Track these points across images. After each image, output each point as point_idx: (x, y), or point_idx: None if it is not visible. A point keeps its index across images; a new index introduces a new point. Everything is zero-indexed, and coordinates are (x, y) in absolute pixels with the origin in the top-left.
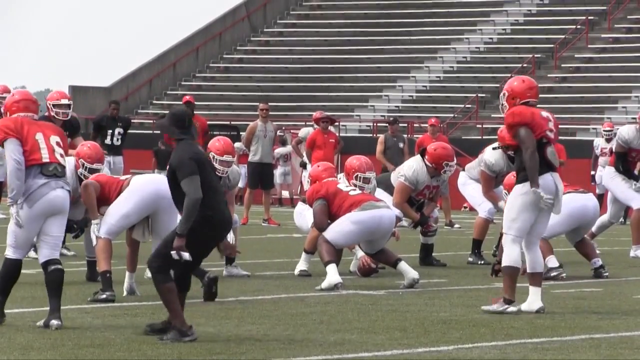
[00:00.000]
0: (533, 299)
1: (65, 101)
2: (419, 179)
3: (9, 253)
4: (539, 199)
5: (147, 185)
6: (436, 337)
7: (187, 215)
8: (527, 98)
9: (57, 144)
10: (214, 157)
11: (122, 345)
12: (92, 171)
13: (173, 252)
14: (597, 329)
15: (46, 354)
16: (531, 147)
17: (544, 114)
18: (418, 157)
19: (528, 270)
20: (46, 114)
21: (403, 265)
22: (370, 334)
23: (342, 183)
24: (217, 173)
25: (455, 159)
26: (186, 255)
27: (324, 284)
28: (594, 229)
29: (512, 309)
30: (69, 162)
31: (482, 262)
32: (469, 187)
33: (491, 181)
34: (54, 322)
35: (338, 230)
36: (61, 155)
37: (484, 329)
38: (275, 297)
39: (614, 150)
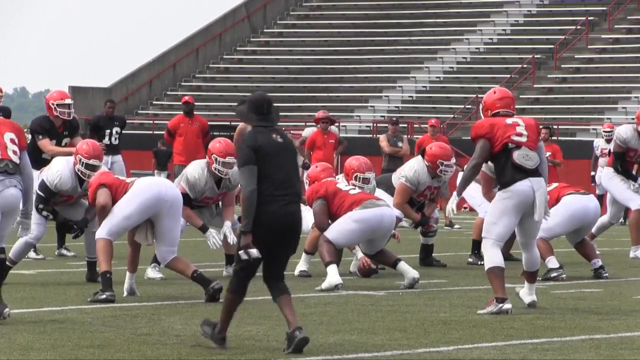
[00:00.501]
0: (529, 293)
1: (68, 101)
2: (420, 179)
3: None
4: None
5: (149, 188)
6: (436, 337)
7: (243, 208)
8: (496, 109)
9: (12, 140)
10: (215, 159)
11: (122, 346)
12: (88, 167)
13: (241, 252)
14: (597, 329)
15: (46, 354)
16: (475, 160)
17: (510, 120)
18: (419, 157)
19: (525, 269)
20: (47, 113)
21: (403, 265)
22: (370, 334)
23: (342, 183)
24: (218, 175)
25: (453, 158)
26: (254, 253)
27: (324, 285)
28: (593, 229)
29: (506, 306)
30: (68, 162)
31: (482, 262)
32: (469, 187)
33: (492, 182)
34: None
35: (339, 229)
36: (14, 152)
37: (484, 329)
38: None
39: (612, 150)
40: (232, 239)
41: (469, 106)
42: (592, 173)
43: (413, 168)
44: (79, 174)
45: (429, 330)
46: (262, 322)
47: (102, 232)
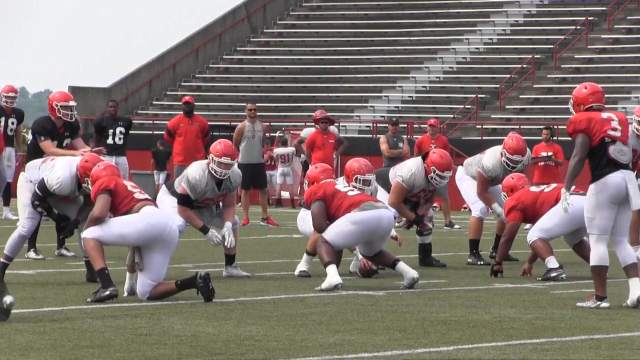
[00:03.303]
0: (633, 289)
1: (72, 102)
2: (416, 183)
3: None
4: (565, 200)
5: (155, 221)
6: (436, 337)
7: None
8: (590, 103)
9: None
10: (212, 159)
11: (122, 346)
12: None
13: None
14: (596, 329)
15: (46, 354)
16: (579, 156)
17: (605, 115)
18: (419, 160)
19: (622, 266)
20: (48, 113)
21: (402, 266)
22: (370, 334)
23: (340, 184)
24: (214, 175)
25: (449, 172)
26: None
27: (324, 285)
28: None
29: (604, 304)
30: (71, 167)
31: (482, 262)
32: (465, 183)
33: (487, 183)
34: None
35: (337, 231)
36: None
37: (484, 329)
38: (275, 297)
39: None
40: (230, 241)
41: (469, 106)
42: None
43: (410, 170)
44: (87, 190)
45: (428, 330)
46: (262, 322)
47: (92, 233)
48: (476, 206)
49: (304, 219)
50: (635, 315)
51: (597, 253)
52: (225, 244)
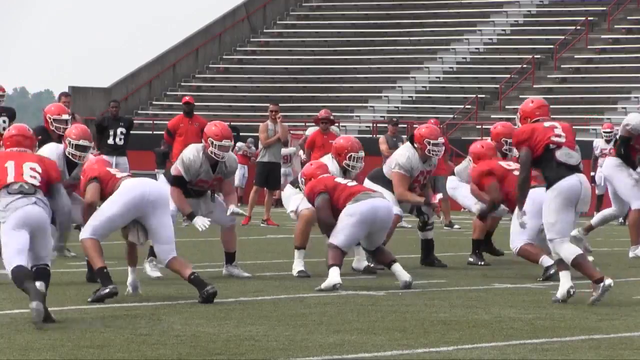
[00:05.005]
0: (565, 283)
1: (65, 116)
2: (413, 165)
3: (13, 263)
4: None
5: (133, 189)
6: (436, 337)
7: None
8: (536, 117)
9: (32, 169)
10: (212, 142)
11: (122, 346)
12: (78, 148)
13: None
14: (596, 329)
15: (46, 354)
16: (523, 173)
17: (548, 123)
18: (408, 144)
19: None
20: (43, 124)
21: (397, 267)
22: (370, 334)
23: (328, 160)
24: (214, 158)
25: (441, 138)
26: None
27: (324, 285)
28: (594, 220)
29: (607, 281)
30: (58, 147)
31: (482, 262)
32: (461, 189)
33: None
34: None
35: (339, 230)
36: (31, 177)
37: (484, 329)
38: (275, 297)
39: (618, 134)
40: (239, 211)
41: (469, 106)
42: (592, 173)
43: (405, 155)
44: (70, 157)
45: (428, 330)
46: (262, 322)
47: (86, 232)
48: (479, 206)
49: (290, 197)
50: (635, 315)
51: (566, 250)
52: (240, 211)
